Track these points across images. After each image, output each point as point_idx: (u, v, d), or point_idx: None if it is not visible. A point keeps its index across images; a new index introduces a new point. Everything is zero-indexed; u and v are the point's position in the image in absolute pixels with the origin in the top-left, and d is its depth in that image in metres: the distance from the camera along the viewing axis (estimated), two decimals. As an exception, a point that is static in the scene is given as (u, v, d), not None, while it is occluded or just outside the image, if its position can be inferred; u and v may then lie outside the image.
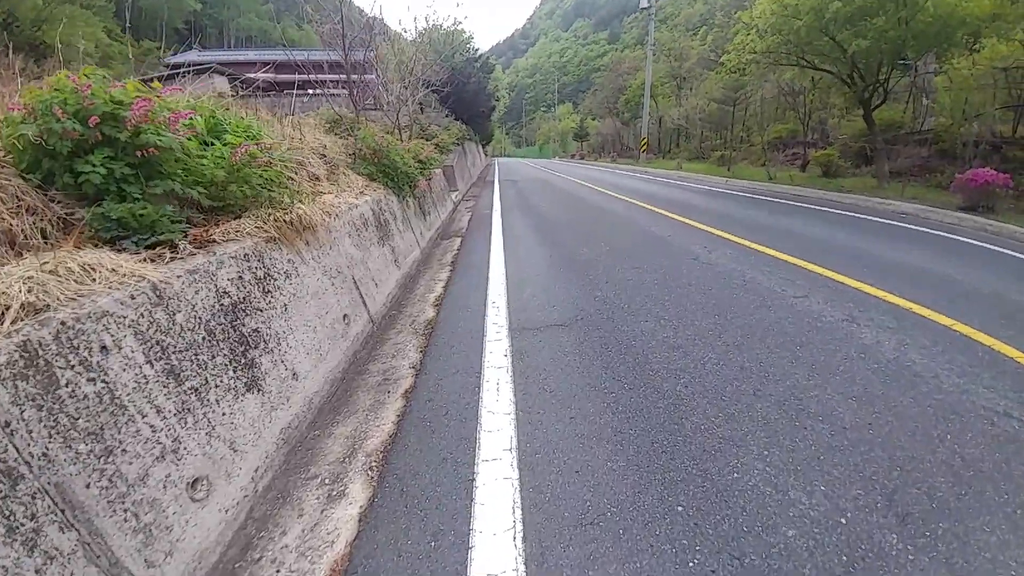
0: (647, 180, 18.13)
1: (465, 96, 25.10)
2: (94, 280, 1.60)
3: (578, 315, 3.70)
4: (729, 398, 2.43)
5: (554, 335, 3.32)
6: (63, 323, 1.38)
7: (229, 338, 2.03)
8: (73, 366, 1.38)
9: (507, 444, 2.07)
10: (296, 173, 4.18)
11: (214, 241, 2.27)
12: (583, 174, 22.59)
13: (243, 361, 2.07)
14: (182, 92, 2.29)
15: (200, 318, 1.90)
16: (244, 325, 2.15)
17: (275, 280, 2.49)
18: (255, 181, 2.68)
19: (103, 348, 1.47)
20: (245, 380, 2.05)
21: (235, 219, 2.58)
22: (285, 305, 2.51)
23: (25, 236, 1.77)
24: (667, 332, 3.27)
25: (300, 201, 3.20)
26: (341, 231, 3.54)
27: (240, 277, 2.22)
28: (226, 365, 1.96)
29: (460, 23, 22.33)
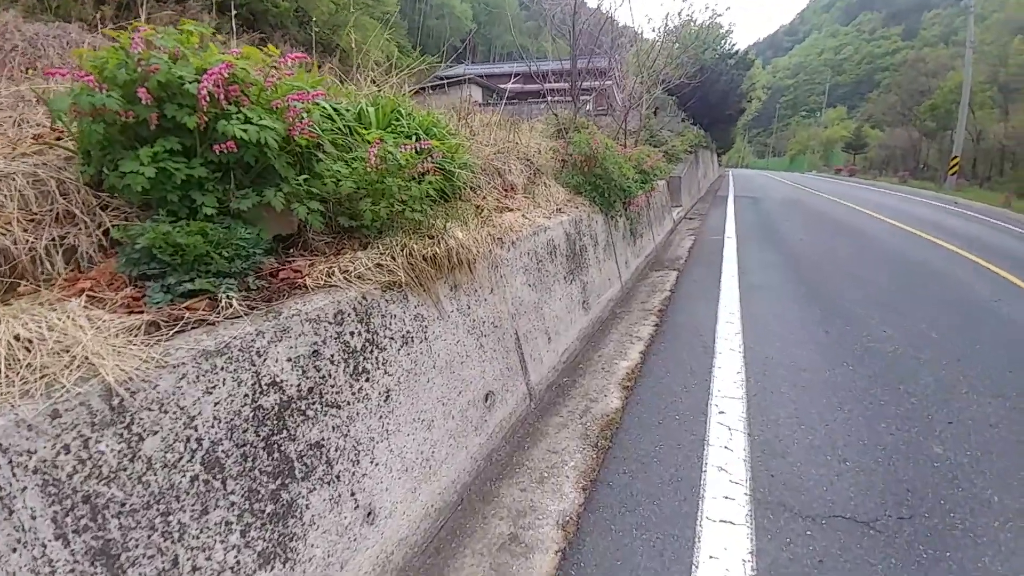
0: (969, 218, 12.60)
1: (710, 97, 22.11)
2: (12, 376, 0.90)
3: (903, 503, 1.89)
4: None
5: (853, 552, 1.64)
6: None
7: (253, 469, 1.19)
8: None
9: None
10: (490, 181, 3.43)
11: (302, 287, 1.50)
12: (856, 196, 17.41)
13: (268, 510, 1.21)
14: (304, 59, 1.56)
15: (199, 441, 1.09)
16: (294, 439, 1.30)
17: (382, 351, 1.61)
18: (399, 195, 1.87)
19: None
20: (263, 546, 1.18)
21: (361, 249, 1.82)
22: (387, 391, 1.61)
23: (36, 260, 1.23)
24: None
25: (465, 223, 2.33)
26: (513, 265, 2.57)
27: (314, 353, 1.38)
28: (227, 525, 1.12)
29: (719, 16, 19.66)
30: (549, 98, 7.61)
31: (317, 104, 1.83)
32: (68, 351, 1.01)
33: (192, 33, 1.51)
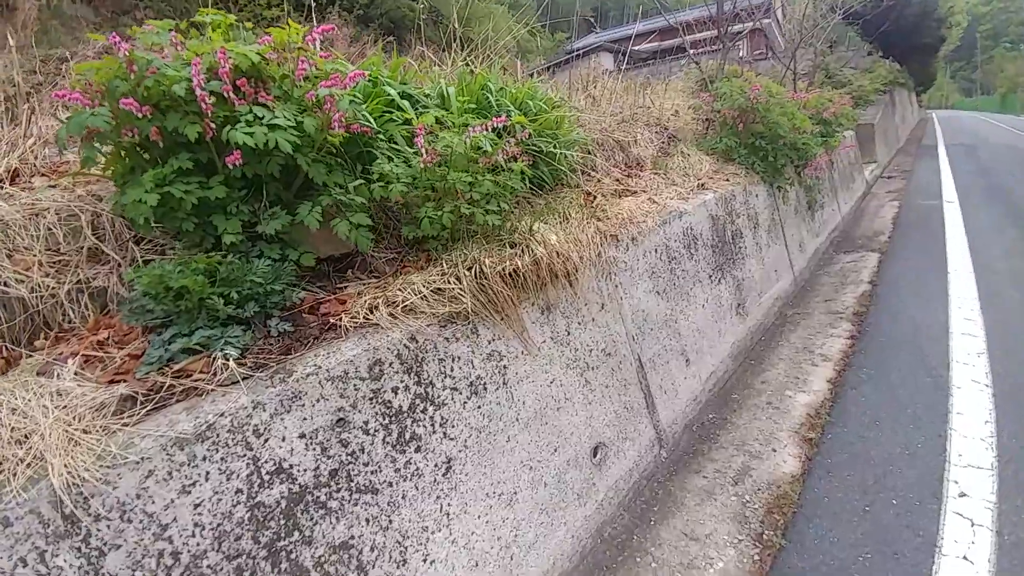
0: None
1: (903, 24, 17.02)
2: None
3: None
4: None
5: None
6: None
7: (249, 589, 0.90)
8: None
9: None
10: (610, 158, 2.82)
11: (336, 329, 1.17)
12: None
13: (269, 645, 0.91)
14: (330, 30, 1.21)
15: (175, 556, 0.83)
16: (310, 541, 0.98)
17: (439, 407, 1.22)
18: (467, 194, 1.44)
19: None
20: None
21: (418, 270, 1.44)
22: (448, 461, 1.22)
23: (59, 307, 1.11)
24: None
25: (565, 218, 1.81)
26: (634, 269, 1.96)
27: (339, 423, 1.04)
28: (206, 675, 0.84)
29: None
30: (691, 51, 6.46)
31: (382, 86, 1.48)
32: (27, 439, 0.82)
33: (219, 25, 1.27)
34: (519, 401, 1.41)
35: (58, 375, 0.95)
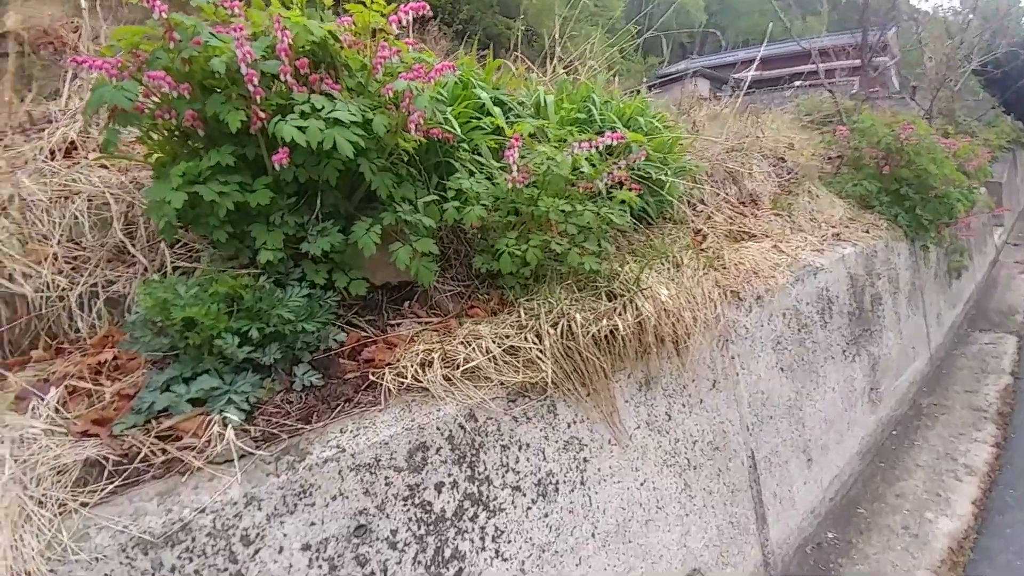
0: None
1: None
2: None
3: None
4: None
5: None
6: None
7: None
8: None
9: None
10: (720, 191, 2.42)
11: (373, 385, 0.89)
12: None
13: None
14: (423, 8, 0.95)
15: None
16: None
17: (494, 513, 0.90)
18: (561, 226, 1.13)
19: None
20: None
21: (489, 316, 1.14)
22: (498, 589, 0.89)
23: (69, 313, 0.92)
24: None
25: (677, 265, 1.44)
26: (756, 338, 1.53)
27: (358, 531, 0.75)
28: None
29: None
30: (800, 81, 5.83)
31: (472, 89, 1.22)
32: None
33: None
34: (598, 508, 1.05)
35: (33, 410, 0.74)
